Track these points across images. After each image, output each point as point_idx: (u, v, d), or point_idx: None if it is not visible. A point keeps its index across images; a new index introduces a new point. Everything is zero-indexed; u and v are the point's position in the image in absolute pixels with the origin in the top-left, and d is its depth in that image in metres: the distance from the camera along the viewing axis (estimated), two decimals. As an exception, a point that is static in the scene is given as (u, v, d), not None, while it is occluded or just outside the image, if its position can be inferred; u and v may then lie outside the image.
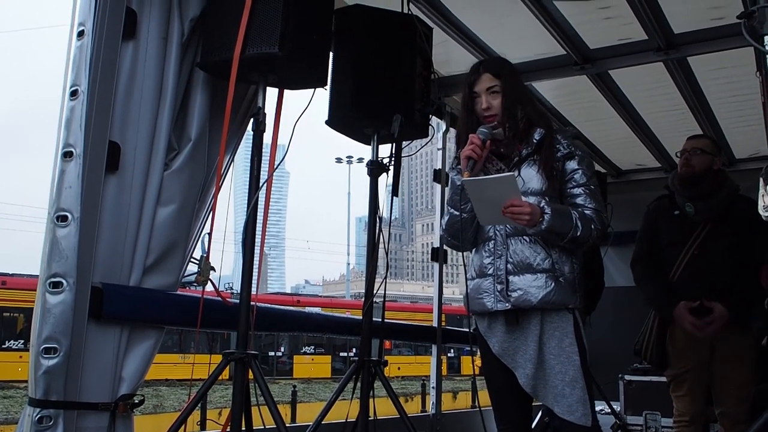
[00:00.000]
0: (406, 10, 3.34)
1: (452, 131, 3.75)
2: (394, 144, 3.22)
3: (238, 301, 2.63)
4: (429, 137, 3.41)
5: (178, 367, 21.35)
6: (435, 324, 4.29)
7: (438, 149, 4.51)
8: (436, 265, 4.50)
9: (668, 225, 3.42)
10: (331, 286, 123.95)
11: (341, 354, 29.95)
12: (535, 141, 2.42)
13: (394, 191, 3.21)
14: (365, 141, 3.35)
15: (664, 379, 4.65)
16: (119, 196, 2.48)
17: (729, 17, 3.42)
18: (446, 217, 2.54)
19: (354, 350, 27.90)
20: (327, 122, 3.22)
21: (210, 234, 2.60)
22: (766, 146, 5.11)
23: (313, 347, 29.76)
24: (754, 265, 3.11)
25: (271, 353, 28.78)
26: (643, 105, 4.59)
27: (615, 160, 5.82)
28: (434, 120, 3.96)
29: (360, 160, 50.17)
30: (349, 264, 58.78)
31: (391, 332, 4.02)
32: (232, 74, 2.55)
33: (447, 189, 2.60)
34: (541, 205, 2.28)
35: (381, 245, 3.21)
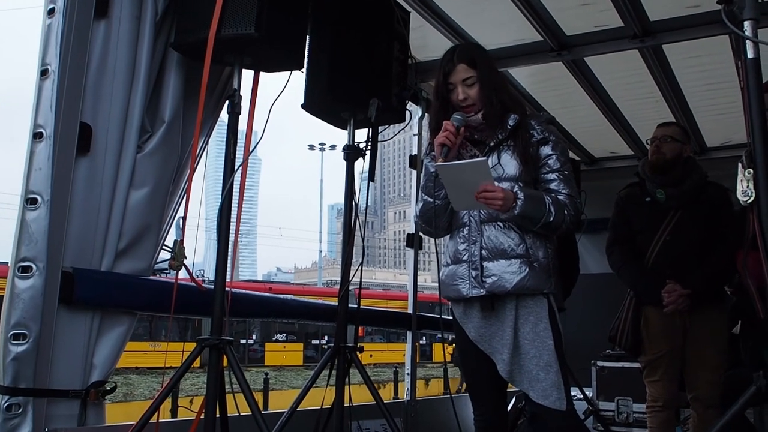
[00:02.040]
0: (383, -6, 3.30)
1: (428, 117, 3.72)
2: (370, 128, 3.19)
3: (212, 286, 2.59)
4: (406, 122, 3.38)
5: (149, 355, 21.17)
6: (410, 310, 4.28)
7: (414, 135, 4.49)
8: (409, 253, 4.50)
9: (639, 212, 3.45)
10: (303, 273, 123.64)
11: (313, 342, 29.91)
12: (509, 127, 2.41)
13: (371, 176, 3.18)
14: (341, 125, 3.32)
15: (636, 365, 4.71)
16: (91, 178, 2.43)
17: (704, 5, 3.44)
18: (420, 204, 2.52)
19: (326, 338, 27.91)
20: (303, 106, 3.18)
21: (184, 218, 2.56)
22: (738, 135, 5.19)
23: (285, 335, 29.67)
24: (726, 249, 3.15)
25: (243, 341, 28.62)
26: (618, 92, 4.61)
27: (589, 147, 5.85)
28: (410, 105, 3.93)
29: (333, 147, 50.03)
30: (321, 251, 58.72)
31: (367, 318, 4.01)
32: (207, 55, 2.49)
33: (421, 176, 2.58)
34: (515, 190, 2.27)
35: (357, 232, 3.18)
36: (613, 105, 4.79)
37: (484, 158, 2.28)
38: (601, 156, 6.06)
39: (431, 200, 2.43)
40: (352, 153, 3.24)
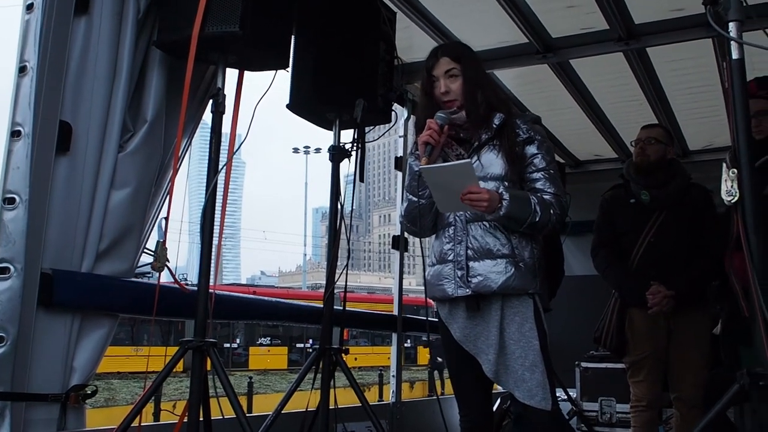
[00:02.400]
0: (369, -6, 3.28)
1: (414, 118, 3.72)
2: (356, 129, 3.17)
3: (195, 288, 2.55)
4: (392, 123, 3.36)
5: (131, 359, 20.97)
6: (395, 312, 4.27)
7: (400, 137, 4.48)
8: (394, 256, 4.48)
9: (624, 213, 3.46)
10: (287, 277, 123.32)
11: (298, 345, 29.80)
12: (495, 126, 2.40)
13: (360, 177, 3.16)
14: (327, 126, 3.29)
15: (619, 365, 4.73)
16: (71, 178, 2.39)
17: (688, 8, 3.46)
18: (405, 204, 2.50)
19: (311, 341, 27.79)
20: (288, 106, 3.15)
21: (167, 219, 2.52)
22: (720, 138, 5.23)
23: (269, 338, 29.53)
24: (710, 251, 3.16)
25: (227, 345, 28.47)
26: (602, 95, 4.63)
27: (573, 150, 5.87)
28: (396, 106, 3.92)
29: (317, 150, 49.83)
30: (305, 255, 58.54)
31: (352, 320, 3.98)
32: (191, 53, 2.46)
33: (406, 175, 2.56)
34: (500, 191, 2.26)
35: (342, 234, 3.16)
36: (597, 108, 4.81)
37: (468, 160, 2.26)
38: (586, 159, 6.08)
39: (416, 200, 2.41)
40: (337, 154, 3.21)
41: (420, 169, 2.23)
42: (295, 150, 53.30)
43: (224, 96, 2.59)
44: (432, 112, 2.39)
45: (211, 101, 2.62)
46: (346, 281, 3.07)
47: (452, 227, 2.42)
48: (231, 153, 2.68)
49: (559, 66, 4.15)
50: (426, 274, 2.49)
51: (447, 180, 2.19)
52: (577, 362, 5.00)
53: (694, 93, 4.47)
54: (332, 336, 3.04)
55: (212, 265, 2.60)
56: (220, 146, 2.60)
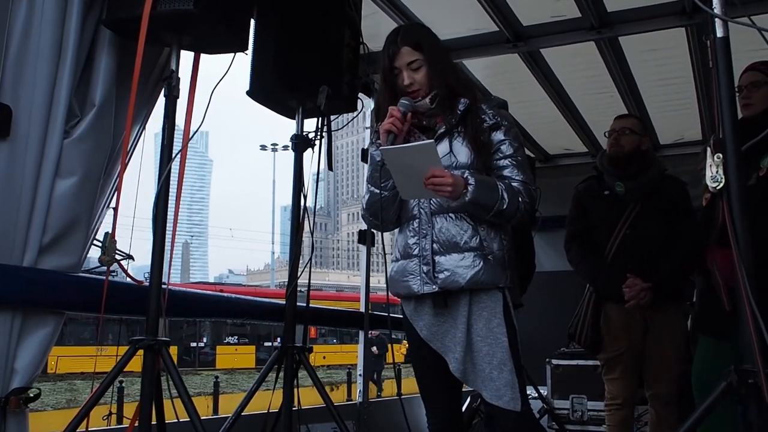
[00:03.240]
0: (334, -24, 3.14)
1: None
2: (320, 117, 3.03)
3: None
4: (357, 111, 3.23)
5: (94, 360, 20.55)
6: (362, 309, 4.13)
7: (366, 128, 4.34)
8: (362, 254, 4.35)
9: (598, 205, 3.38)
10: (255, 275, 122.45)
11: (266, 344, 29.52)
12: (459, 112, 2.28)
13: (329, 165, 3.02)
14: (289, 114, 3.15)
15: (590, 362, 4.68)
16: (11, 165, 2.21)
17: (663, -4, 3.38)
18: (366, 196, 2.38)
19: (279, 339, 27.52)
20: (248, 93, 3.01)
21: (116, 209, 2.36)
22: (690, 132, 5.20)
23: (236, 337, 29.23)
24: (686, 243, 3.10)
25: (193, 344, 28.13)
26: (573, 87, 4.55)
27: (543, 144, 5.79)
28: (363, 97, 3.78)
29: (285, 147, 49.30)
30: (273, 253, 58.06)
31: (316, 317, 3.84)
32: (141, 33, 2.31)
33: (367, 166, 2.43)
34: (465, 175, 2.15)
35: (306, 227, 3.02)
36: (568, 100, 4.73)
37: (432, 141, 2.12)
38: (556, 153, 6.01)
39: (377, 191, 2.29)
40: (300, 143, 3.07)
41: (381, 150, 2.11)
42: (263, 147, 52.82)
43: (178, 79, 2.45)
44: (394, 100, 2.28)
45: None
46: (309, 276, 2.94)
47: (416, 220, 2.30)
48: (186, 140, 2.52)
49: (529, 55, 4.06)
50: (389, 270, 2.37)
51: (409, 163, 2.07)
52: (547, 359, 4.93)
53: (666, 85, 4.42)
54: (295, 334, 2.90)
55: (166, 259, 2.45)
56: (174, 133, 2.45)
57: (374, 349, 19.21)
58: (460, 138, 2.27)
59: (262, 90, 3.01)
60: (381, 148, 2.13)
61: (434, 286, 2.22)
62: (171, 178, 2.49)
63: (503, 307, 2.23)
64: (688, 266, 3.13)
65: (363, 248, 4.31)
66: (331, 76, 2.99)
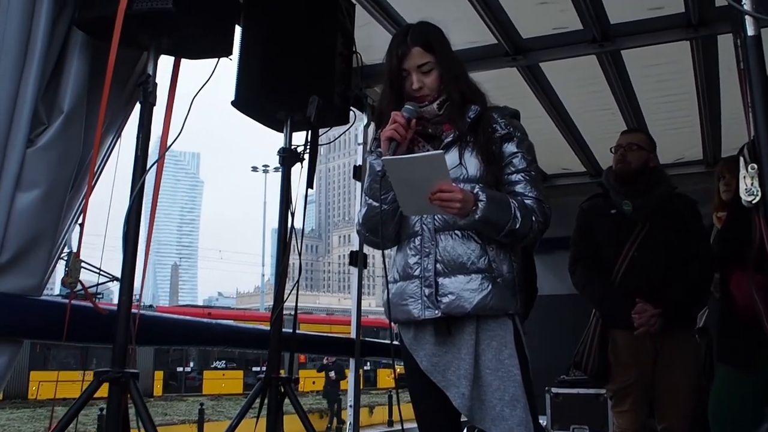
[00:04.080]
0: (325, -18, 2.97)
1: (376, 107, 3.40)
2: (309, 130, 2.84)
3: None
4: (350, 124, 3.04)
5: (78, 385, 20.07)
6: (353, 335, 3.91)
7: (358, 144, 4.16)
8: (354, 277, 4.13)
9: (604, 225, 3.19)
10: (245, 298, 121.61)
11: (254, 369, 29.02)
12: (469, 120, 2.09)
13: (309, 183, 2.82)
14: (277, 127, 2.96)
15: (592, 391, 4.46)
16: (-35, 176, 2.01)
17: (668, 7, 3.23)
18: (363, 209, 2.17)
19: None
20: (233, 103, 2.82)
21: (82, 225, 2.15)
22: (691, 151, 5.05)
23: (224, 362, 28.73)
24: (699, 265, 2.92)
25: (180, 369, 27.64)
26: (573, 103, 4.38)
27: (541, 163, 5.50)
28: (355, 111, 3.60)
29: (276, 169, 49.10)
30: (263, 275, 57.57)
31: (304, 345, 3.60)
32: (115, 33, 2.12)
33: (365, 177, 2.22)
34: (475, 191, 1.95)
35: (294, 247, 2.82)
36: (567, 116, 4.57)
37: (441, 152, 1.92)
38: (554, 173, 5.84)
39: (377, 204, 2.08)
40: (288, 157, 2.88)
41: (384, 160, 1.91)
42: (254, 169, 52.56)
43: (155, 84, 2.25)
44: (399, 105, 2.09)
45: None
46: (296, 300, 2.73)
47: (418, 237, 2.09)
48: (163, 149, 2.32)
49: (528, 70, 3.89)
50: (387, 292, 2.16)
51: (414, 175, 1.87)
52: (547, 388, 4.71)
53: (668, 102, 4.26)
54: (280, 362, 2.69)
55: (139, 279, 2.24)
56: (148, 142, 2.25)
57: (332, 374, 18.23)
58: (470, 148, 2.08)
59: (249, 100, 2.82)
60: (383, 158, 1.93)
61: (437, 311, 2.01)
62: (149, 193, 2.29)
63: (514, 335, 2.03)
64: (701, 291, 2.94)
65: (354, 270, 4.09)
66: (321, 87, 2.81)
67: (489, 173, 2.05)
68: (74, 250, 2.15)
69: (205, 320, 2.87)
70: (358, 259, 3.99)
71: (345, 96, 2.95)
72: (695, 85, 3.95)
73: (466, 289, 1.99)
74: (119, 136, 2.50)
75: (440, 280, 2.02)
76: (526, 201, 2.03)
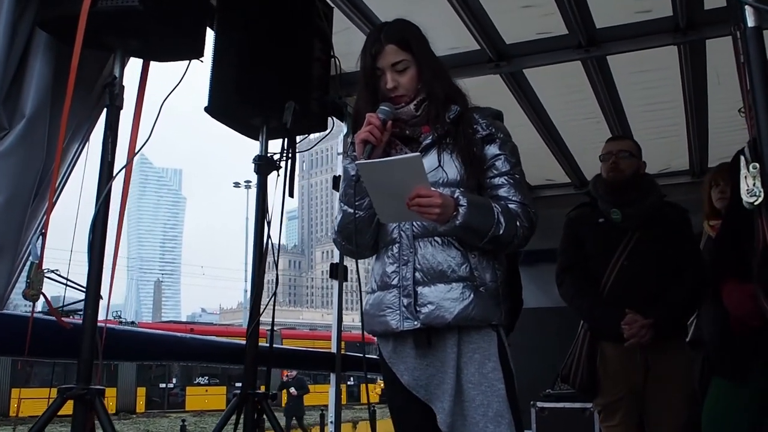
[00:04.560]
0: (302, -16, 2.89)
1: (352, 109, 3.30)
2: (285, 136, 2.74)
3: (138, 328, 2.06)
4: (327, 131, 2.94)
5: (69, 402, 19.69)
6: (334, 349, 3.80)
7: (338, 155, 4.05)
8: (334, 291, 4.02)
9: (592, 234, 3.11)
10: (228, 314, 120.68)
11: (237, 384, 28.68)
12: (448, 120, 2.00)
13: (290, 192, 2.72)
14: (252, 134, 2.86)
15: (578, 405, 4.37)
16: None
17: (657, 10, 3.17)
18: (339, 216, 2.06)
19: (250, 380, 26.77)
20: (206, 109, 2.71)
21: (44, 234, 2.03)
22: (678, 161, 5.00)
23: (207, 378, 28.39)
24: (690, 275, 2.85)
25: (162, 385, 27.28)
26: (557, 111, 4.31)
27: (525, 173, 5.53)
28: (335, 121, 3.50)
29: (259, 184, 48.88)
30: (246, 291, 57.15)
31: (282, 360, 3.48)
32: (79, 33, 2.01)
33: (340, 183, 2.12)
34: (456, 195, 1.85)
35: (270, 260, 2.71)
36: (551, 125, 4.50)
37: (417, 154, 1.82)
38: (538, 184, 5.76)
39: (351, 211, 1.98)
40: (263, 165, 2.77)
41: (357, 164, 1.81)
42: (236, 185, 52.23)
43: (122, 87, 2.14)
44: (375, 106, 1.99)
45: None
46: (273, 314, 2.63)
47: (396, 245, 1.99)
48: (131, 154, 2.21)
49: (512, 76, 3.81)
50: (364, 303, 2.05)
51: (390, 180, 1.78)
52: (532, 402, 4.60)
53: (654, 110, 4.20)
54: (256, 378, 2.57)
55: (107, 292, 2.12)
56: (116, 146, 2.14)
57: (292, 390, 17.28)
58: (449, 150, 1.98)
59: (222, 106, 2.72)
60: (357, 162, 1.83)
61: (416, 322, 1.91)
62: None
63: (498, 348, 1.92)
64: (692, 301, 2.87)
65: (336, 284, 3.98)
66: (298, 92, 2.73)
67: (470, 176, 1.96)
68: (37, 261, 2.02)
69: (178, 334, 2.74)
70: (338, 272, 3.88)
71: (323, 102, 2.87)
72: (682, 92, 3.90)
73: (446, 299, 1.89)
74: (86, 141, 2.39)
75: (419, 289, 1.92)
76: (510, 206, 1.94)
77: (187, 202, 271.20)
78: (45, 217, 2.07)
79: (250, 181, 50.67)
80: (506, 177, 1.98)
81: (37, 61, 2.19)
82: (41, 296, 1.98)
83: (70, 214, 2.20)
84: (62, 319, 2.02)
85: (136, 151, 2.23)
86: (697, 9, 3.13)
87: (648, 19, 3.24)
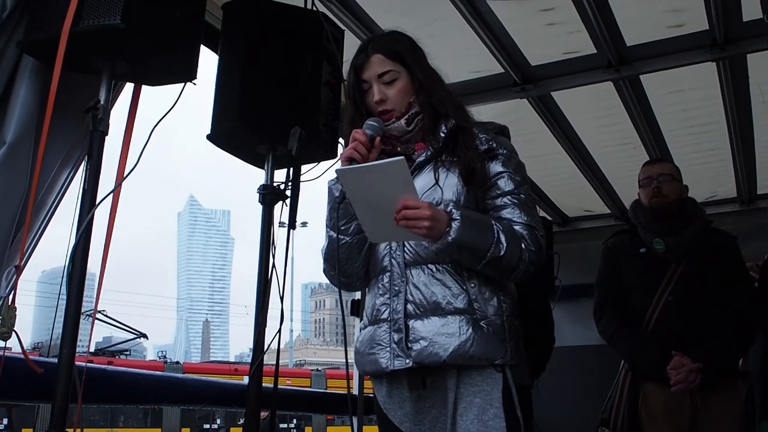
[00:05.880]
0: (310, 6, 2.77)
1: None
2: (290, 164, 2.60)
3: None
4: (337, 158, 2.78)
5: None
6: (355, 390, 3.58)
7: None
8: (356, 329, 3.81)
9: (633, 265, 2.89)
10: (275, 353, 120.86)
11: (281, 426, 28.41)
12: (443, 135, 1.81)
13: (291, 224, 2.56)
14: (257, 163, 2.72)
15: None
16: None
17: (690, 24, 2.96)
18: (325, 243, 1.88)
19: (294, 421, 26.45)
20: (209, 137, 2.58)
21: (18, 267, 1.90)
22: (725, 187, 4.70)
23: (254, 418, 28.16)
24: (743, 311, 2.58)
25: (207, 426, 27.15)
26: (590, 137, 4.08)
27: (561, 205, 5.27)
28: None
29: (304, 224, 49.32)
30: (292, 331, 57.19)
31: (289, 401, 3.26)
32: (59, 54, 1.91)
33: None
34: (449, 209, 1.65)
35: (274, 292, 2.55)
36: (585, 152, 4.26)
37: (401, 158, 1.60)
38: (575, 215, 5.49)
39: (335, 236, 1.80)
40: (269, 195, 2.62)
41: (336, 170, 1.63)
42: (282, 224, 52.73)
43: (105, 110, 2.02)
44: (362, 122, 1.82)
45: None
46: (278, 347, 2.45)
47: (387, 274, 1.80)
48: (119, 178, 2.09)
49: (539, 100, 3.61)
50: (356, 339, 1.86)
51: (374, 190, 1.59)
52: (571, 448, 4.29)
53: (695, 133, 3.94)
54: (259, 424, 2.38)
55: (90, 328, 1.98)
56: (99, 175, 2.01)
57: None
58: (445, 168, 1.80)
59: (226, 133, 2.58)
60: (336, 168, 1.66)
61: (407, 360, 1.70)
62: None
63: (503, 392, 1.69)
64: (745, 339, 2.60)
65: (358, 322, 3.78)
66: (306, 117, 2.57)
67: (470, 196, 1.77)
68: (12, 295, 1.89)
69: (177, 375, 2.58)
70: (360, 309, 3.68)
71: (332, 127, 2.71)
72: (724, 112, 3.64)
73: (440, 334, 1.68)
74: (77, 169, 2.27)
75: (411, 323, 1.72)
76: (514, 227, 1.73)
77: (236, 243, 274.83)
78: (20, 248, 1.93)
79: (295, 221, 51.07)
80: (510, 197, 1.78)
81: (23, 86, 2.10)
82: (13, 334, 1.85)
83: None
84: (32, 361, 1.86)
85: (124, 176, 2.11)
86: (735, 21, 2.90)
87: (682, 34, 3.03)
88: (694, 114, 3.72)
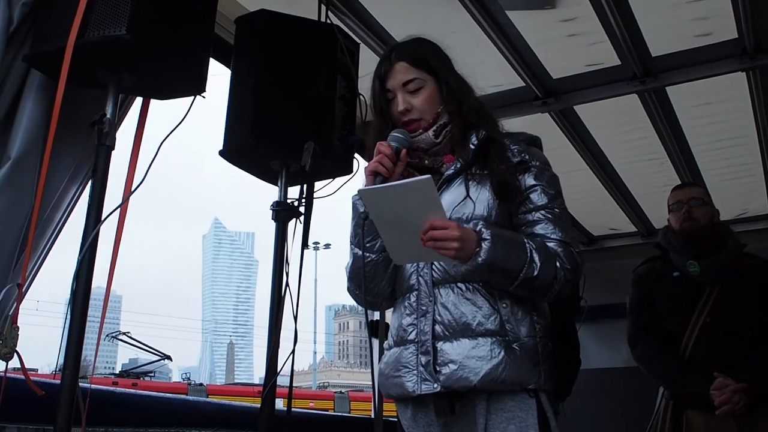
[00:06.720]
0: (324, 19, 2.72)
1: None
2: (304, 180, 2.53)
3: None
4: (352, 174, 2.71)
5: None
6: (373, 414, 3.47)
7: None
8: (375, 351, 3.71)
9: (667, 290, 2.83)
10: (300, 376, 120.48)
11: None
12: (472, 147, 1.73)
13: (304, 242, 2.49)
14: (271, 179, 2.65)
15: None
16: None
17: (717, 33, 2.86)
18: (349, 261, 1.80)
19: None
20: (221, 153, 2.53)
21: (20, 285, 1.84)
22: (755, 204, 4.55)
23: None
24: None
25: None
26: (615, 152, 3.96)
27: (586, 224, 5.14)
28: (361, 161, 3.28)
29: (327, 246, 49.31)
30: (316, 353, 57.11)
31: (303, 426, 3.15)
32: (64, 67, 1.86)
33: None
34: (478, 228, 1.56)
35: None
36: (611, 169, 4.14)
37: (428, 176, 1.53)
38: (600, 234, 5.35)
39: (361, 254, 1.72)
40: (282, 211, 2.55)
41: (359, 191, 1.56)
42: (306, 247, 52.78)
43: (111, 124, 1.97)
44: (387, 134, 1.75)
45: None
46: (292, 372, 2.37)
47: (414, 293, 1.72)
48: (126, 193, 2.04)
49: (562, 114, 3.51)
50: (380, 361, 1.77)
51: (399, 210, 1.51)
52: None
53: (725, 147, 3.82)
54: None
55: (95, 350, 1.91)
56: (105, 191, 1.95)
57: None
58: (475, 182, 1.71)
59: (238, 149, 2.52)
60: (359, 189, 1.58)
61: (435, 385, 1.62)
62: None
63: (538, 418, 1.60)
64: None
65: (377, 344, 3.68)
66: (320, 132, 2.51)
67: (502, 211, 1.69)
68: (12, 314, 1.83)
69: (187, 398, 2.50)
70: (380, 329, 3.58)
71: (348, 143, 2.64)
72: (755, 125, 3.51)
73: (471, 357, 1.60)
74: (85, 186, 2.22)
75: (440, 345, 1.64)
76: (548, 243, 1.64)
77: (260, 265, 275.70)
78: (23, 267, 1.88)
79: (318, 243, 51.16)
80: (544, 211, 1.70)
81: (29, 102, 2.06)
82: (15, 354, 1.79)
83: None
84: (34, 383, 1.80)
85: (132, 190, 2.06)
86: (766, 29, 2.79)
87: (710, 44, 2.93)
88: (724, 127, 3.61)
